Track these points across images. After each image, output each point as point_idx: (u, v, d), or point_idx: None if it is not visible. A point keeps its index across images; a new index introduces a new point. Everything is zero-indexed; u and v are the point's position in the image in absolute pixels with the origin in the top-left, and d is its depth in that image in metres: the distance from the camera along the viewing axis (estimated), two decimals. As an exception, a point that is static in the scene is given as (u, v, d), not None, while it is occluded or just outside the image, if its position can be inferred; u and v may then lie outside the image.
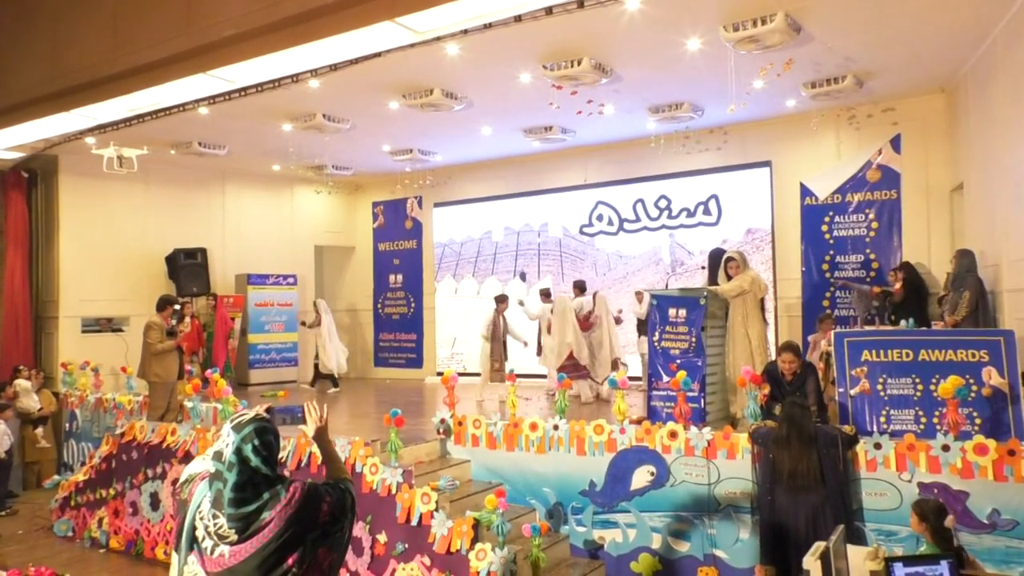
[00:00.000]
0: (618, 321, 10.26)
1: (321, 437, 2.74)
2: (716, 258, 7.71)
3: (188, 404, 8.11)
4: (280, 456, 2.47)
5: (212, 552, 2.27)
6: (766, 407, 5.63)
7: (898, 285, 8.27)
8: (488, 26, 6.13)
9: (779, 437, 5.04)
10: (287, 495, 2.30)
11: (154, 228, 11.68)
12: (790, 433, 4.97)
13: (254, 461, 2.29)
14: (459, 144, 11.19)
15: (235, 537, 2.24)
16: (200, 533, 2.31)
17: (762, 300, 7.12)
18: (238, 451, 2.28)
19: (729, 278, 7.02)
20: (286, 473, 2.80)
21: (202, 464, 2.53)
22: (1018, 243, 6.51)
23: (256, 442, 2.30)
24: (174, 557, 2.43)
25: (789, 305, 10.03)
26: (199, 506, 2.34)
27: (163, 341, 7.78)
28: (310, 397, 9.58)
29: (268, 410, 2.50)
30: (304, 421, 2.75)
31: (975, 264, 7.15)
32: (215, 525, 2.26)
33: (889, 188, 9.45)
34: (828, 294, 9.68)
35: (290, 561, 2.26)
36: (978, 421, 5.19)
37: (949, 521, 4.06)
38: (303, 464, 6.28)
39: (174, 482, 7.18)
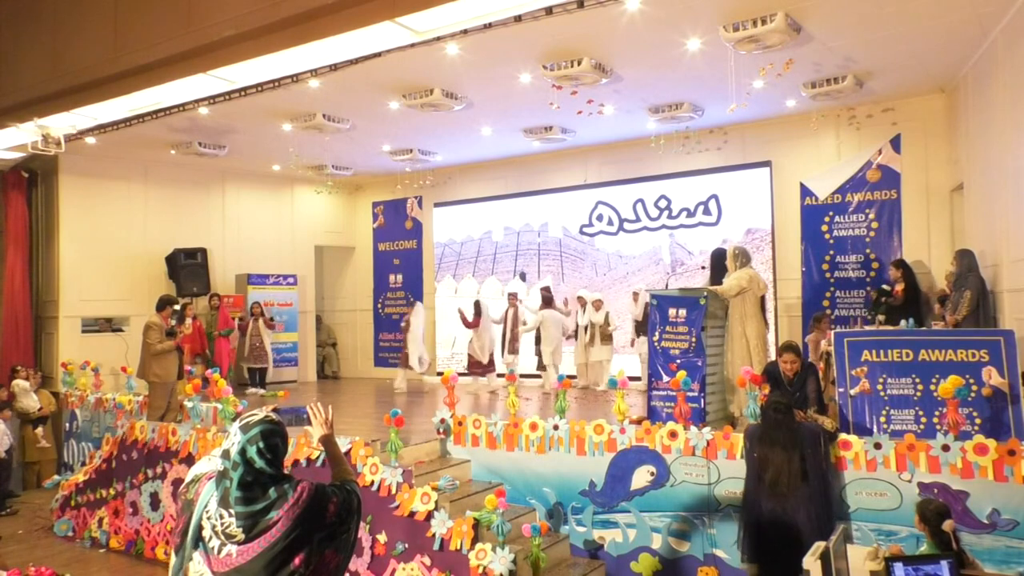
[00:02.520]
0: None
1: (327, 439, 2.74)
2: (718, 258, 7.71)
3: (188, 404, 8.11)
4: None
5: (219, 551, 2.27)
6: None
7: (899, 287, 8.20)
8: (488, 26, 6.14)
9: (761, 435, 5.03)
10: (295, 495, 2.31)
11: (154, 228, 11.68)
12: (770, 431, 4.97)
13: (258, 463, 2.29)
14: (459, 144, 11.19)
15: (242, 536, 2.25)
16: (207, 532, 2.31)
17: (762, 300, 7.12)
18: (242, 452, 2.29)
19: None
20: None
21: (208, 464, 2.54)
22: (1018, 243, 6.51)
23: (261, 444, 2.31)
24: (173, 558, 2.42)
25: (789, 305, 10.03)
26: (206, 505, 2.35)
27: (162, 341, 7.77)
28: (313, 398, 9.54)
29: (275, 411, 2.50)
30: (309, 422, 2.75)
31: (976, 264, 7.15)
32: (223, 524, 2.27)
33: (889, 188, 9.45)
34: (828, 294, 9.67)
35: (297, 561, 2.26)
36: (978, 421, 5.19)
37: (947, 525, 4.06)
38: (305, 464, 6.28)
39: (175, 482, 7.18)
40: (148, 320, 7.92)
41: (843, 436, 5.23)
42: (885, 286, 8.55)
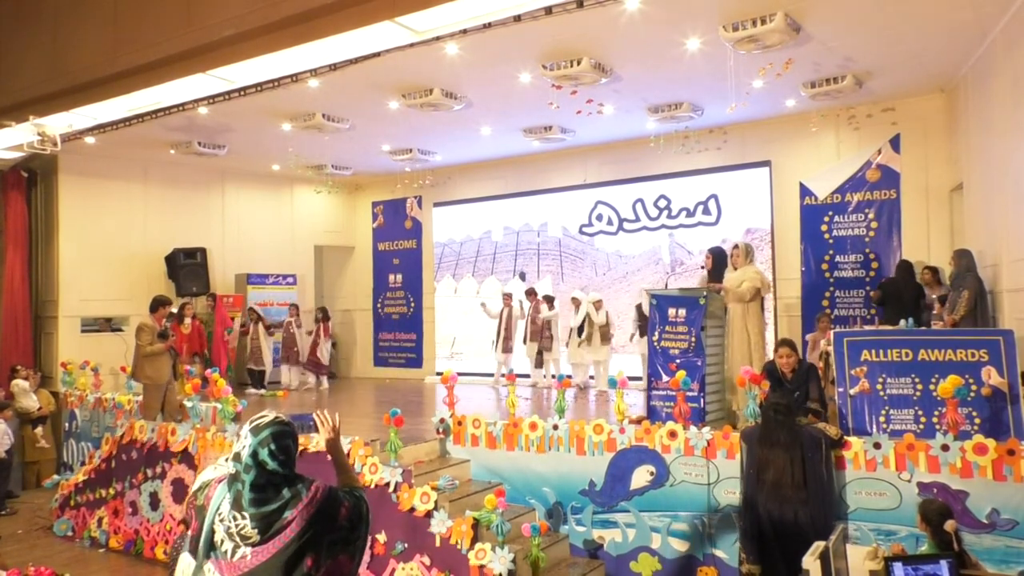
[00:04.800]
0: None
1: (334, 446, 2.73)
2: (720, 255, 7.70)
3: (188, 404, 8.11)
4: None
5: (233, 555, 2.26)
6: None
7: (874, 293, 8.81)
8: (488, 26, 6.14)
9: (760, 437, 5.03)
10: (308, 494, 2.31)
11: (154, 228, 11.68)
12: (770, 432, 4.96)
13: (271, 465, 2.29)
14: (459, 144, 11.19)
15: (257, 538, 2.24)
16: (219, 536, 2.30)
17: (763, 298, 7.14)
18: (254, 454, 2.28)
19: (733, 267, 7.03)
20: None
21: (214, 471, 2.53)
22: (1018, 243, 6.51)
23: (273, 447, 2.30)
24: (184, 559, 2.42)
25: (789, 305, 10.03)
26: (218, 508, 2.34)
27: (153, 343, 7.76)
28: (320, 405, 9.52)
29: None
30: (316, 430, 2.74)
31: (974, 264, 7.16)
32: (237, 526, 2.26)
33: (889, 188, 9.45)
34: (827, 294, 9.69)
35: (309, 563, 2.26)
36: (977, 421, 5.19)
37: (949, 525, 4.06)
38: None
39: (175, 482, 7.18)
40: (141, 322, 7.91)
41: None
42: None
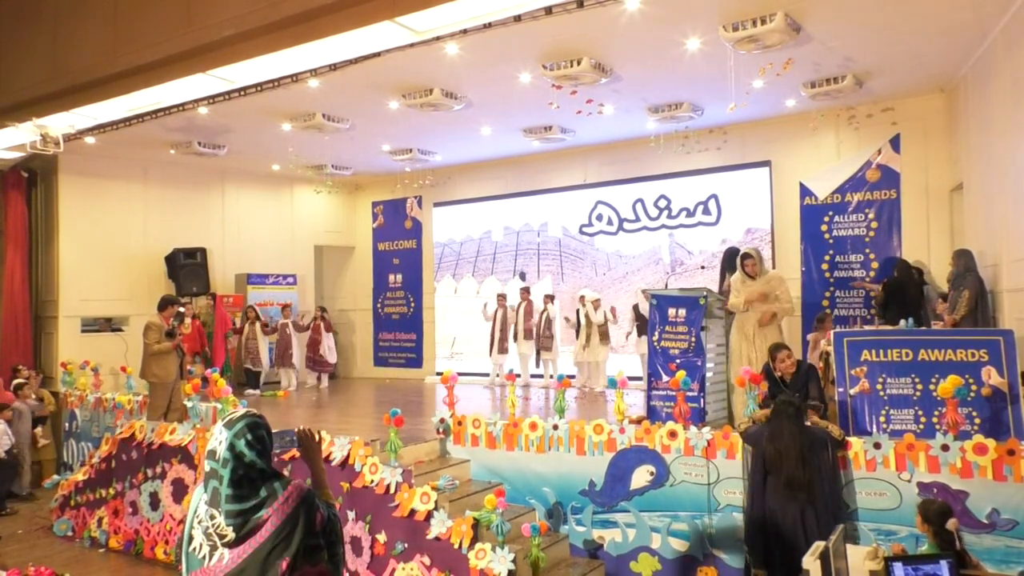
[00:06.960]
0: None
1: (315, 453, 2.65)
2: (731, 257, 7.70)
3: (188, 404, 8.11)
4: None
5: (211, 558, 2.26)
6: (764, 406, 5.62)
7: (874, 291, 8.76)
8: (488, 26, 6.14)
9: (771, 434, 5.02)
10: (285, 493, 2.30)
11: (154, 228, 11.68)
12: (780, 431, 4.96)
13: (249, 456, 2.29)
14: (459, 144, 11.19)
15: (233, 536, 2.23)
16: (197, 540, 2.30)
17: None
18: (232, 447, 2.28)
19: (749, 276, 7.02)
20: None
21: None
22: (1018, 243, 6.51)
23: (249, 436, 2.30)
24: None
25: (789, 305, 10.02)
26: (196, 511, 2.33)
27: (160, 342, 7.75)
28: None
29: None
30: (298, 444, 2.66)
31: (974, 264, 7.16)
32: (214, 525, 2.25)
33: (889, 188, 9.45)
34: (828, 293, 9.68)
35: (284, 565, 2.25)
36: (977, 421, 5.20)
37: (951, 524, 4.06)
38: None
39: (175, 482, 7.17)
40: (148, 320, 7.90)
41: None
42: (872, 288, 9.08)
